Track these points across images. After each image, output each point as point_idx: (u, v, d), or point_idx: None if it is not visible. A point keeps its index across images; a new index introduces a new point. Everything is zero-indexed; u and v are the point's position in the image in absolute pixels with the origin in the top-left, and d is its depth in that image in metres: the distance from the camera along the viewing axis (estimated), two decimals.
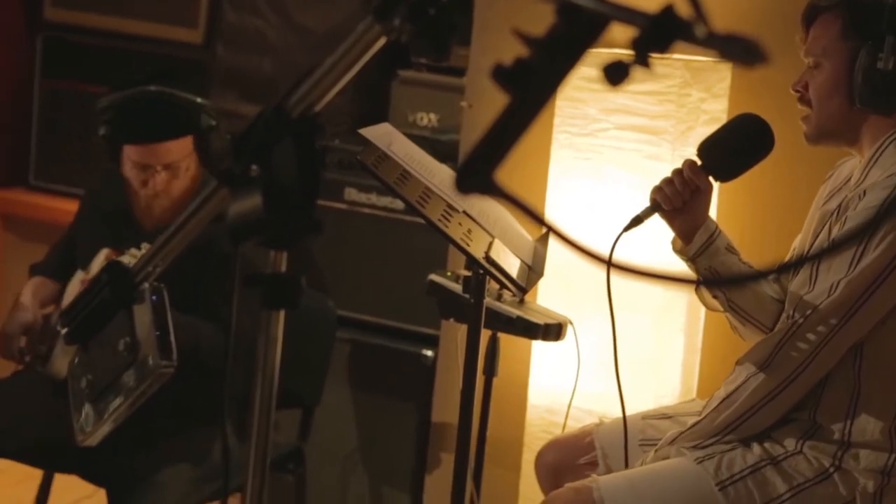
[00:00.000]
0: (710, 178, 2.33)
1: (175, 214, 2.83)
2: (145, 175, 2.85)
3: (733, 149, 2.32)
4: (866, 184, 2.16)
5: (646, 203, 2.34)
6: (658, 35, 0.95)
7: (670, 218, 2.36)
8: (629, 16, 0.96)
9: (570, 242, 1.00)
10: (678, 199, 2.31)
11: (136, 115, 2.84)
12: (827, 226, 2.24)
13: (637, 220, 2.31)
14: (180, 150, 2.85)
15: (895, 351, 2.15)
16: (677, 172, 2.32)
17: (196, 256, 2.66)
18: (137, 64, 4.15)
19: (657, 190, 2.33)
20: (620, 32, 0.98)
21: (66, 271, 3.04)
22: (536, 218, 1.00)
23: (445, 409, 3.31)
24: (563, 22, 1.00)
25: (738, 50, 0.93)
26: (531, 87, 0.99)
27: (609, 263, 1.02)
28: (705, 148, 2.33)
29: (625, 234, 2.28)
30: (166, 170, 2.84)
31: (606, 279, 2.20)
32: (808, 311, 2.14)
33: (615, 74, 0.97)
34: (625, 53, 0.97)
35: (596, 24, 0.99)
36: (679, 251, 2.40)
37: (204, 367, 2.59)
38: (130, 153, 2.86)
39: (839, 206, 2.23)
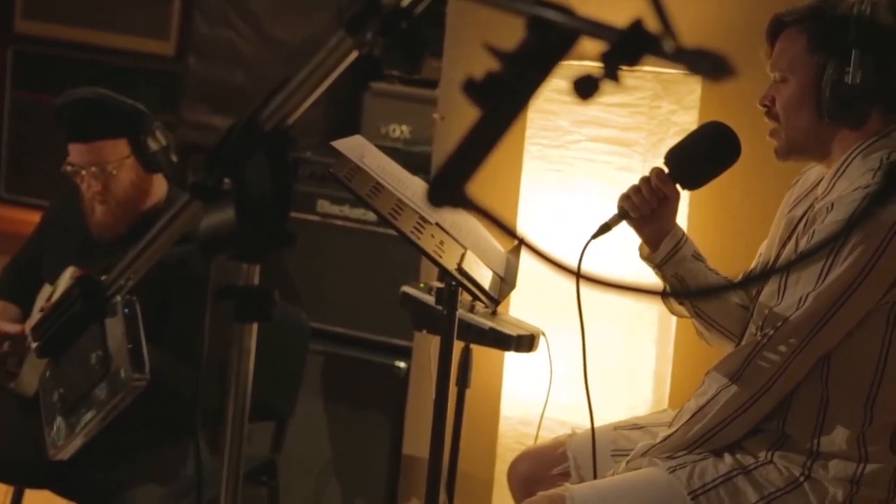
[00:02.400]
0: (678, 186, 2.34)
1: (116, 219, 2.83)
2: (78, 176, 2.84)
3: (699, 156, 2.34)
4: (833, 195, 2.18)
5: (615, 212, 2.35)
6: (627, 49, 0.96)
7: (638, 226, 2.37)
8: (599, 30, 0.98)
9: (539, 253, 1.00)
10: (646, 207, 2.32)
11: (70, 114, 2.83)
12: (794, 237, 2.25)
13: (605, 228, 2.32)
14: (110, 152, 2.80)
15: (862, 361, 2.17)
16: (645, 180, 2.33)
17: (166, 278, 2.65)
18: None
19: (625, 198, 2.34)
20: (592, 45, 0.99)
21: (22, 292, 3.00)
22: (506, 230, 1.01)
23: (418, 420, 3.31)
24: (534, 36, 1.01)
25: (706, 64, 0.94)
26: (502, 101, 1.00)
27: (578, 274, 1.02)
28: (672, 156, 2.34)
29: (593, 241, 2.29)
30: (94, 171, 2.81)
31: (576, 290, 2.21)
32: (778, 324, 2.15)
33: (585, 88, 0.98)
34: (595, 66, 0.98)
35: (566, 39, 1.00)
36: (646, 258, 2.41)
37: (170, 395, 2.55)
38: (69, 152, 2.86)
39: (805, 213, 2.25)
